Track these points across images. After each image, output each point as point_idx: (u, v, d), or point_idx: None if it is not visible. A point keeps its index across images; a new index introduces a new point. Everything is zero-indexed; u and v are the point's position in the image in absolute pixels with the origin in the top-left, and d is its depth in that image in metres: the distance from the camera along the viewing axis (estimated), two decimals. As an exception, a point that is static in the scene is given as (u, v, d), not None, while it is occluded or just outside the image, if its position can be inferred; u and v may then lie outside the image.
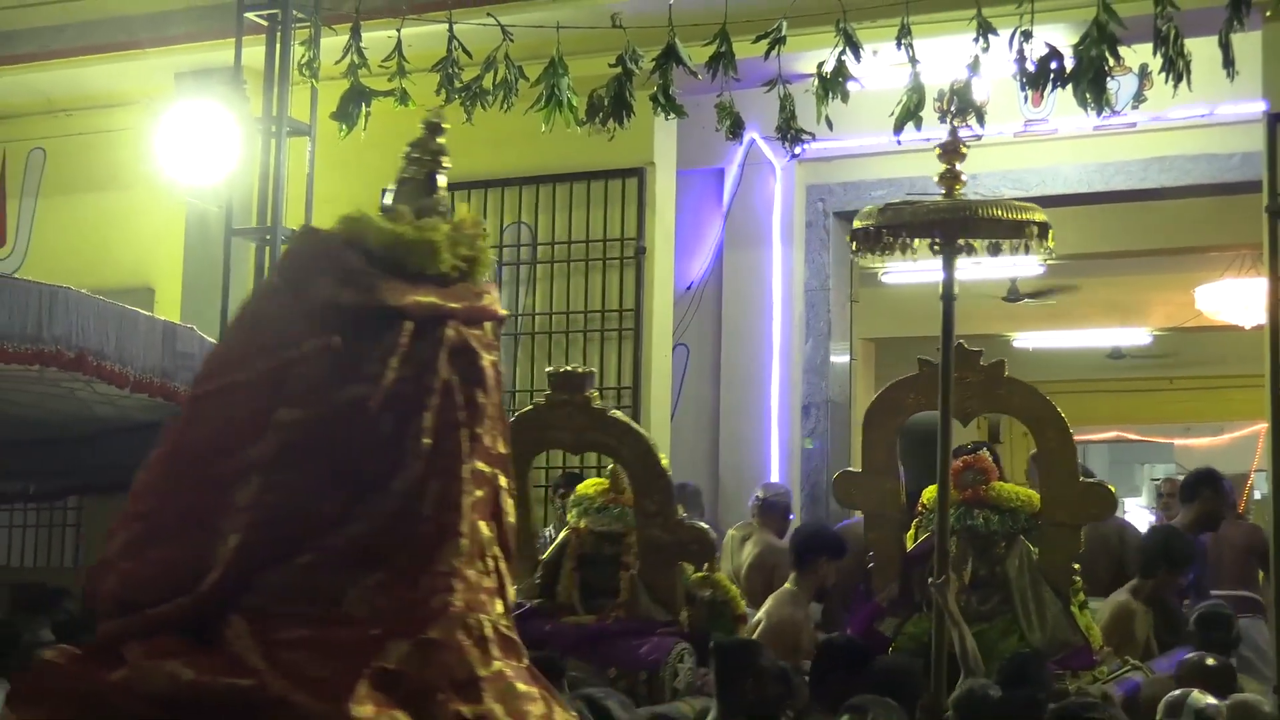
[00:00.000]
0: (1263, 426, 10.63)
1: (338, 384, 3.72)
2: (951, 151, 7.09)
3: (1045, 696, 5.98)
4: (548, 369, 8.59)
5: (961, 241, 7.12)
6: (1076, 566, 7.71)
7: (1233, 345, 11.52)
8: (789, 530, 9.68)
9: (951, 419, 7.05)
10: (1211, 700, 5.81)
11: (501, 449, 3.93)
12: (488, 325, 3.97)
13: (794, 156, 8.61)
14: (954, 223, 7.04)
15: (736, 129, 7.91)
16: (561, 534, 8.12)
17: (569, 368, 8.31)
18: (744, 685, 6.31)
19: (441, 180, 4.19)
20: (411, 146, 4.25)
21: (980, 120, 7.49)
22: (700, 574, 7.81)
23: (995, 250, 7.14)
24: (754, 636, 7.78)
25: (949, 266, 7.16)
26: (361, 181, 10.88)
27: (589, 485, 8.22)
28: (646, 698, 7.27)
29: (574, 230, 10.77)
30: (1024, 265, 15.01)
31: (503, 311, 4.04)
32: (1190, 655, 6.79)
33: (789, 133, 7.77)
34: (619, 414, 8.20)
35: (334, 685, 3.47)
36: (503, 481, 3.91)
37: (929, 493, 7.67)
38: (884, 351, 15.96)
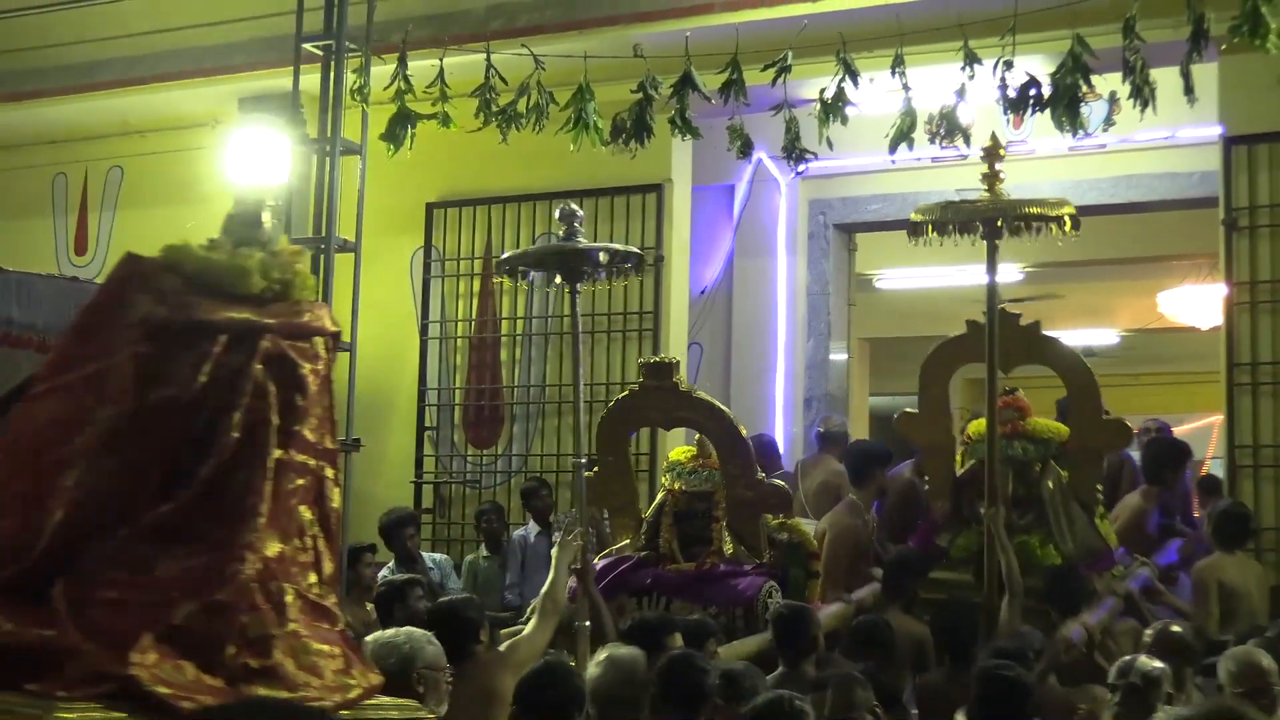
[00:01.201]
0: (1218, 418, 10.61)
1: (151, 386, 3.96)
2: (992, 154, 7.48)
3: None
4: (639, 359, 8.82)
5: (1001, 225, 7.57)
6: (1099, 487, 8.41)
7: (1192, 345, 11.53)
8: None
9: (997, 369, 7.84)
10: (1158, 664, 5.82)
11: (329, 444, 4.21)
12: (318, 340, 4.21)
13: (798, 174, 8.64)
14: (997, 215, 7.54)
15: (746, 149, 7.91)
16: (659, 495, 8.53)
17: (658, 358, 8.67)
18: (802, 643, 6.87)
19: (266, 216, 4.33)
20: (240, 193, 4.50)
21: (966, 141, 7.50)
22: (778, 521, 8.22)
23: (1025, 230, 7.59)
24: (821, 542, 8.49)
25: (993, 253, 7.76)
26: (407, 195, 10.99)
27: (679, 452, 8.59)
28: (744, 629, 7.79)
29: (599, 239, 10.73)
30: (1004, 272, 15.01)
31: (332, 327, 4.27)
32: (1159, 624, 6.77)
33: (793, 152, 7.77)
34: (704, 394, 8.55)
35: (124, 637, 3.70)
36: (329, 472, 4.20)
37: (975, 425, 8.50)
38: (878, 350, 15.95)
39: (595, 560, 8.10)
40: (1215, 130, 9.41)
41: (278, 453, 4.03)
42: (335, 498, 4.24)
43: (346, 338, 8.60)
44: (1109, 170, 9.58)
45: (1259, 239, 9.14)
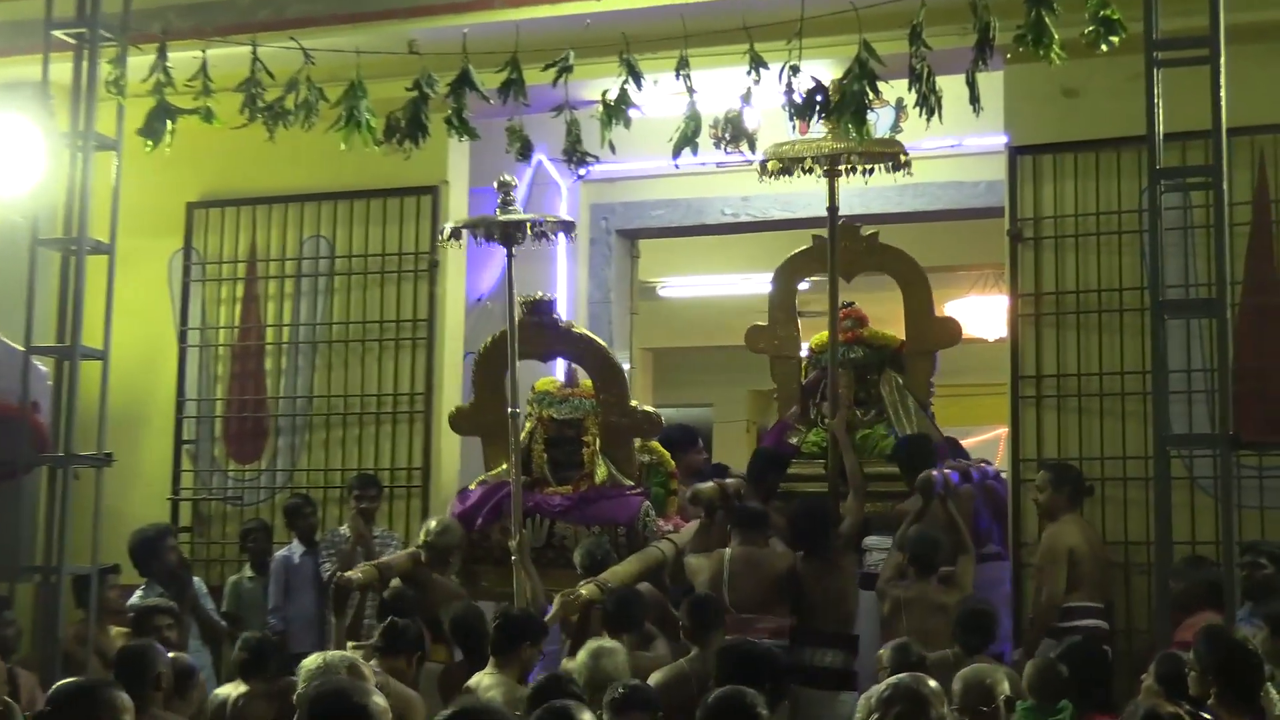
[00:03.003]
0: (1003, 430, 10.92)
1: None
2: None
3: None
4: (520, 298, 9.17)
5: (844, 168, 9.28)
6: (933, 381, 9.95)
7: (977, 357, 11.83)
8: None
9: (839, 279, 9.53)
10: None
11: None
12: None
13: (579, 177, 8.72)
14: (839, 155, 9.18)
15: (526, 151, 7.93)
16: (528, 424, 9.34)
17: (539, 295, 9.58)
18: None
19: None
20: None
21: (752, 147, 7.61)
22: (638, 444, 9.39)
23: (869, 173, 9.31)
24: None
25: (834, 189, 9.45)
26: (166, 194, 10.79)
27: (545, 383, 9.67)
28: (626, 547, 8.87)
29: (370, 244, 10.68)
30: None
31: None
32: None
33: (574, 155, 7.79)
34: (579, 328, 9.79)
35: None
36: None
37: (818, 337, 9.91)
38: (660, 360, 16.14)
39: (472, 488, 9.38)
40: (1000, 140, 9.67)
41: None
42: None
43: (99, 345, 8.41)
44: (894, 179, 9.79)
45: (1043, 250, 9.39)
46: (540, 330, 9.41)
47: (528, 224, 8.50)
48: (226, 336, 11.00)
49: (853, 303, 10.09)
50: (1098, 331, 9.24)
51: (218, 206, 11.08)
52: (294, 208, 10.85)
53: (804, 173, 9.30)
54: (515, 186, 8.59)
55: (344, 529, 9.74)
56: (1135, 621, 8.68)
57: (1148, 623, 8.14)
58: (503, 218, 8.50)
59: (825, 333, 9.74)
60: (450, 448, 10.40)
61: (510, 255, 8.64)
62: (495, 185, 8.56)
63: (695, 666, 7.26)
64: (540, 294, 9.66)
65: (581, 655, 6.87)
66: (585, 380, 9.57)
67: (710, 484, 9.17)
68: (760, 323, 10.37)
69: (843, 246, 9.70)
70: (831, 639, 8.51)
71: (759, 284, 15.93)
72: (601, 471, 9.24)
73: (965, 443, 10.95)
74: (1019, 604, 8.96)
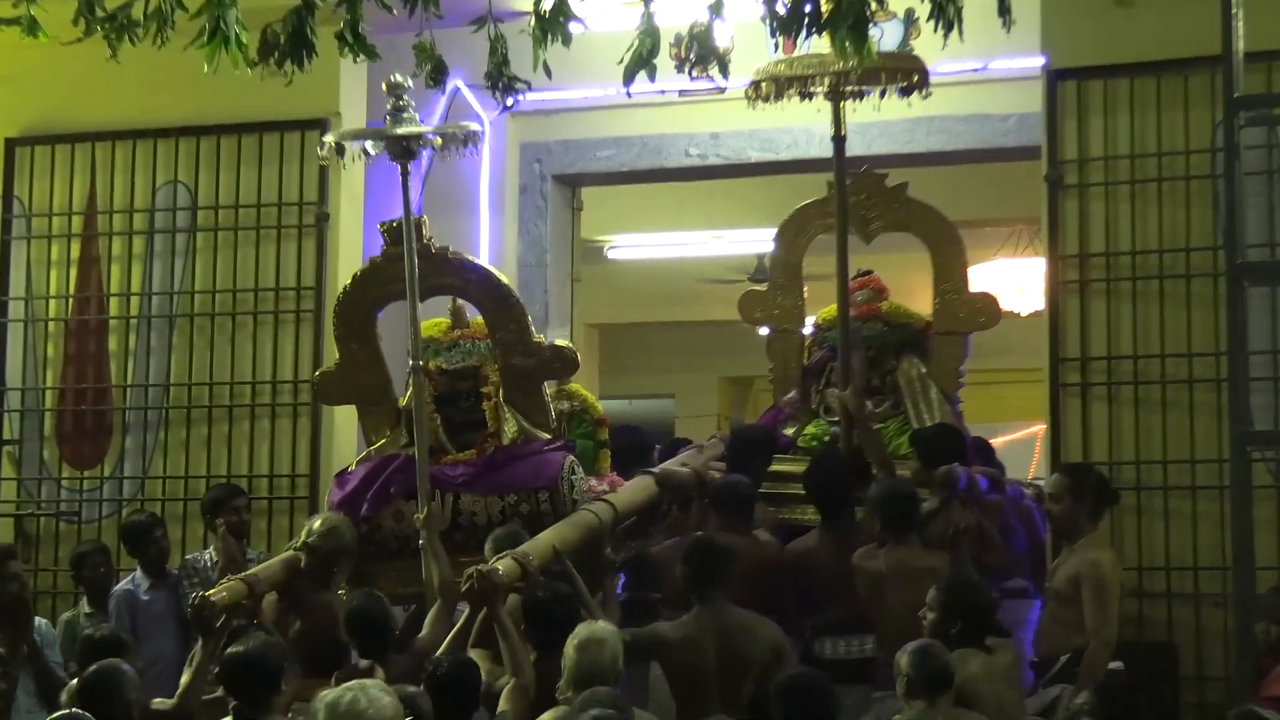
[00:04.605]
0: (1039, 428, 10.92)
1: None
2: None
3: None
4: (382, 226, 9.15)
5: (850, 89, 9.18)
6: (962, 370, 9.91)
7: (1007, 335, 11.79)
8: None
9: (848, 241, 9.49)
10: None
11: None
12: None
13: (506, 109, 8.56)
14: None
15: (438, 75, 7.85)
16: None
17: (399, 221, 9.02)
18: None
19: None
20: None
21: (724, 71, 7.54)
22: (555, 388, 9.48)
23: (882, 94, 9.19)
24: None
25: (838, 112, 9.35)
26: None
27: (430, 326, 9.32)
28: (551, 515, 8.84)
29: (243, 193, 10.63)
30: (772, 239, 15.26)
31: None
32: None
33: (500, 80, 7.74)
34: (458, 252, 9.36)
35: None
36: None
37: (826, 311, 9.94)
38: (609, 339, 16.11)
39: (352, 468, 9.29)
40: (1037, 62, 9.69)
41: None
42: None
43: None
44: (904, 111, 9.73)
45: (1090, 200, 9.43)
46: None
47: (422, 137, 8.57)
48: (58, 309, 10.95)
49: (871, 270, 10.14)
50: (1159, 303, 9.27)
51: (46, 143, 11.01)
52: (144, 146, 10.79)
53: (804, 98, 9.22)
54: (408, 88, 8.51)
55: (209, 553, 9.67)
56: (1207, 667, 8.72)
57: (1224, 669, 8.14)
58: (399, 131, 8.49)
59: (833, 309, 9.77)
60: (345, 448, 10.36)
61: (406, 175, 8.65)
62: (384, 88, 8.55)
63: (702, 627, 7.90)
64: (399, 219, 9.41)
65: (569, 645, 7.03)
66: (477, 319, 9.47)
67: (686, 470, 9.28)
68: (753, 287, 10.51)
69: (863, 198, 9.78)
70: (850, 624, 8.61)
71: (733, 244, 16.00)
72: (510, 428, 9.20)
73: (994, 443, 10.93)
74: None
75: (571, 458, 9.11)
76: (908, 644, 7.17)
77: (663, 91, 9.44)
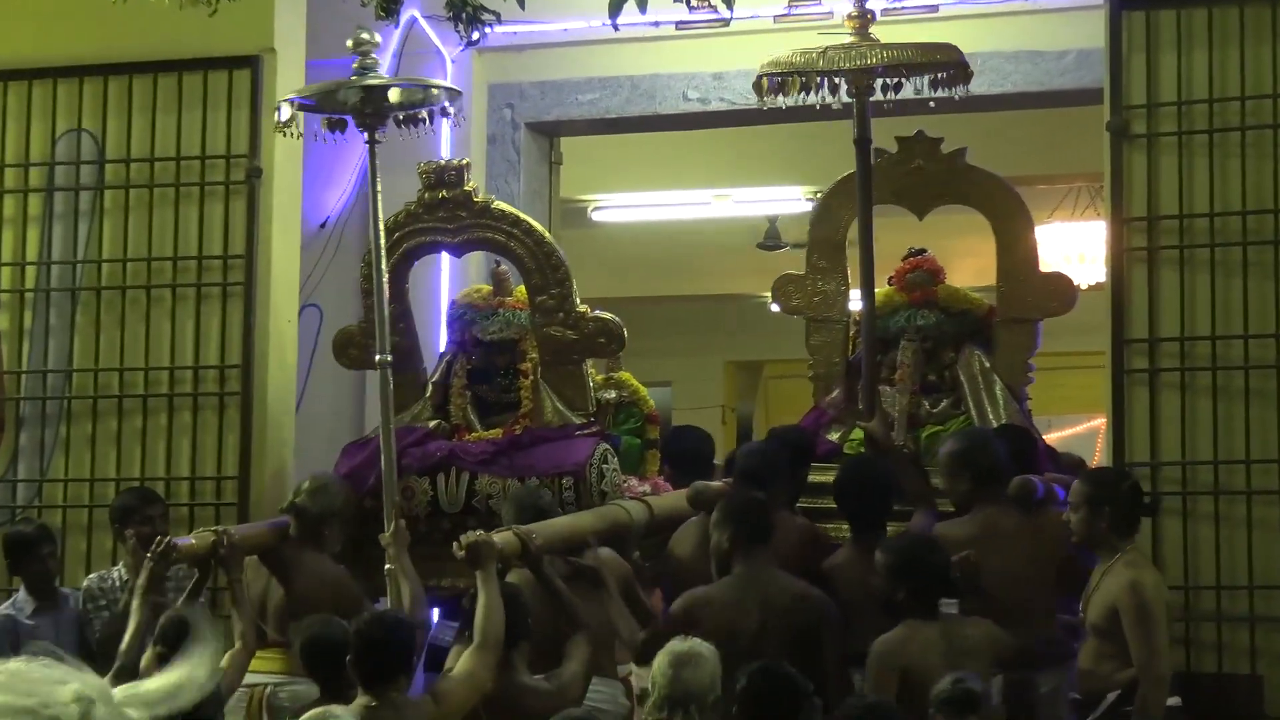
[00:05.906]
0: (1100, 421, 10.99)
1: None
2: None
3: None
4: (421, 167, 9.65)
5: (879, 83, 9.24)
6: (1032, 362, 9.93)
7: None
8: None
9: (873, 229, 9.51)
10: None
11: None
12: None
13: (469, 43, 8.66)
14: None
15: (391, 6, 7.92)
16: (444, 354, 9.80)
17: (444, 161, 9.68)
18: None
19: None
20: None
21: (728, 2, 7.62)
22: (603, 376, 9.84)
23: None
24: None
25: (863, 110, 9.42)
26: None
27: (468, 293, 9.93)
28: (573, 503, 9.15)
29: (159, 144, 10.63)
30: (787, 198, 15.31)
31: None
32: None
33: (464, 11, 7.79)
34: (503, 204, 9.86)
35: None
36: None
37: (884, 292, 9.89)
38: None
39: (369, 435, 9.52)
40: (1100, -12, 9.72)
41: None
42: None
43: None
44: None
45: (1161, 154, 9.47)
46: (450, 209, 9.68)
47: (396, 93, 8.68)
48: (-58, 282, 10.95)
49: (924, 250, 10.17)
50: (1241, 275, 9.33)
51: (-75, 86, 11.03)
52: (43, 86, 10.78)
53: (832, 93, 9.34)
54: (378, 46, 8.61)
55: (118, 570, 9.69)
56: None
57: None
58: (370, 81, 8.56)
59: (891, 289, 9.96)
60: (278, 446, 10.38)
61: (373, 145, 8.78)
62: (350, 44, 8.56)
63: (745, 587, 8.13)
64: (456, 159, 9.92)
65: (660, 661, 7.07)
66: (520, 289, 9.70)
67: (719, 484, 9.30)
68: (792, 271, 10.42)
69: (914, 166, 9.91)
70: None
71: (739, 205, 15.98)
72: (549, 409, 9.52)
73: (1050, 438, 11.00)
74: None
75: (606, 446, 9.39)
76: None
77: (656, 24, 9.47)
